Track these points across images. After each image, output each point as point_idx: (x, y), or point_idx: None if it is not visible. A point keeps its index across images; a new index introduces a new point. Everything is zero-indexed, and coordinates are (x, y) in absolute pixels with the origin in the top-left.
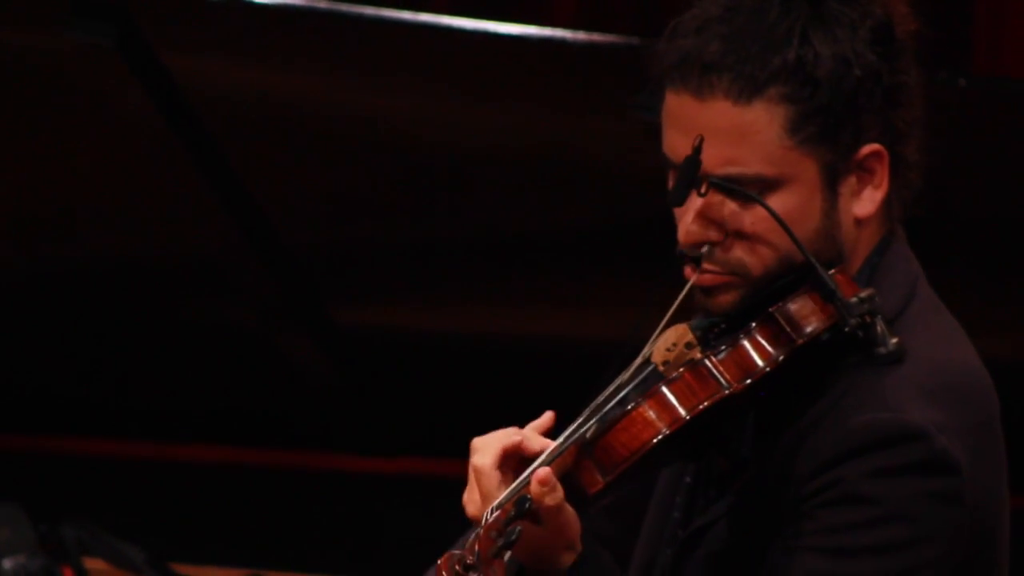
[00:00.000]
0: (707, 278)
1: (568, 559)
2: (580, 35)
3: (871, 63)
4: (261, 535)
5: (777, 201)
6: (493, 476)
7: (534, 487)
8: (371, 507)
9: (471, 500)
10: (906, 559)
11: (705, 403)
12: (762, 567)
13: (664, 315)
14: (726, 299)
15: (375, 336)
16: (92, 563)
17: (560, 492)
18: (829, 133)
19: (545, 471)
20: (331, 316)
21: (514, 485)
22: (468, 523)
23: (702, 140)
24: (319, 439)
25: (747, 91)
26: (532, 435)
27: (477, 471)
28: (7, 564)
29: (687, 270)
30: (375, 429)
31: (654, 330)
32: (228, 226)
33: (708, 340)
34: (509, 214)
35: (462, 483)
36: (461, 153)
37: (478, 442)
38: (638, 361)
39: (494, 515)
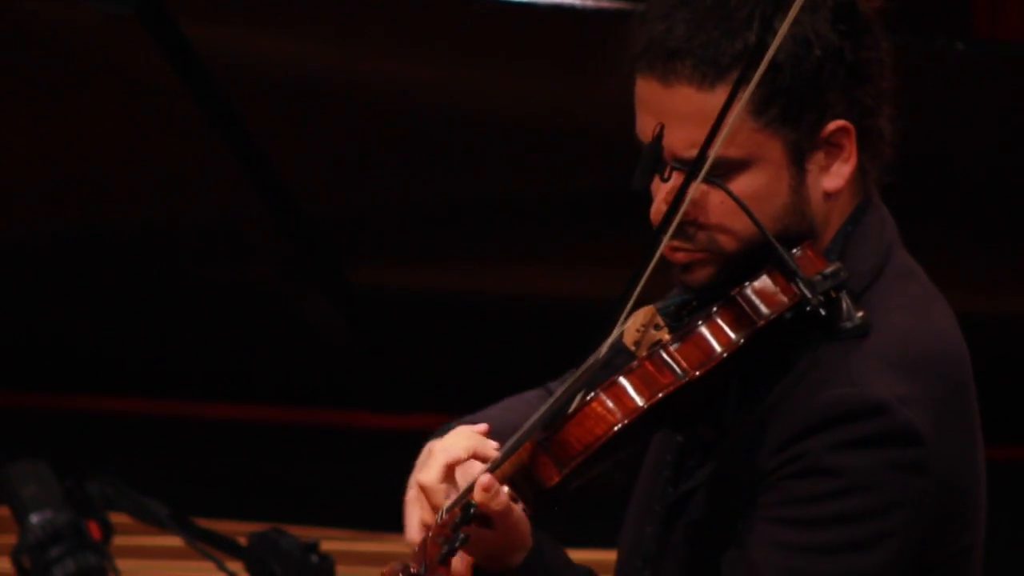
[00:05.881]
0: (681, 256)
1: (519, 557)
2: (589, 2)
3: (832, 42)
4: (279, 490)
5: (744, 181)
6: (439, 491)
7: (478, 494)
8: (386, 463)
9: (414, 516)
10: (870, 528)
11: (661, 393)
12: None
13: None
14: (702, 274)
15: (389, 295)
16: (117, 518)
17: (504, 496)
18: (792, 113)
19: (487, 478)
20: (347, 276)
21: (465, 490)
22: None
23: (663, 128)
24: (335, 396)
25: (710, 76)
26: (482, 442)
27: (424, 487)
28: (34, 519)
29: (667, 250)
30: (389, 386)
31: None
32: (247, 190)
33: (681, 318)
34: (520, 177)
35: None
36: (473, 118)
37: (422, 460)
38: (608, 342)
39: (443, 520)
